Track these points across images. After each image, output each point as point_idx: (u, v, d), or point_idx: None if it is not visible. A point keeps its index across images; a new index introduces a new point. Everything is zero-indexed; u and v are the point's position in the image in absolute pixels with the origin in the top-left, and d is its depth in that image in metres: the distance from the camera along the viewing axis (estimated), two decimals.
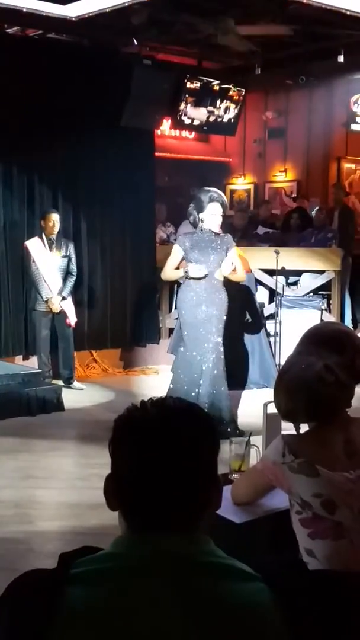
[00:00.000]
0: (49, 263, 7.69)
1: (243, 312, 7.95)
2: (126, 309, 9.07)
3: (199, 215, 5.95)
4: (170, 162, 12.76)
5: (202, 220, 5.94)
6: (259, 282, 8.92)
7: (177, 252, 6.02)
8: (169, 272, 6.07)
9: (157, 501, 1.27)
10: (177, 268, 6.10)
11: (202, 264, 5.89)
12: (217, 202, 5.89)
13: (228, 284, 6.07)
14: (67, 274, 7.79)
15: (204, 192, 5.97)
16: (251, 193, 13.91)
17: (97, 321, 8.76)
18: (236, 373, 7.13)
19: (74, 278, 7.85)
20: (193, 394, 5.83)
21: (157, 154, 9.69)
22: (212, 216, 5.90)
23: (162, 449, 1.27)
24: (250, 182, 13.99)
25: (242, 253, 7.32)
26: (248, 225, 10.62)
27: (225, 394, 5.98)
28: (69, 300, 7.84)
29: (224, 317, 5.98)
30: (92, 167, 8.49)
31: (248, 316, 8.08)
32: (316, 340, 2.36)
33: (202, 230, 5.97)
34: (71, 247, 7.85)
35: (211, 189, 6.03)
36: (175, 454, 1.27)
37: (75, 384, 7.95)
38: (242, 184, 14.06)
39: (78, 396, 7.62)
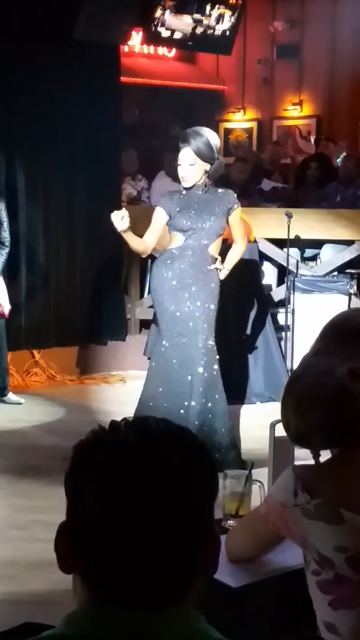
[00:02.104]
0: None
1: (242, 298, 7.96)
2: (79, 293, 9.05)
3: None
4: (143, 90, 12.73)
5: None
6: (264, 257, 8.93)
7: (159, 218, 6.01)
8: (151, 243, 6.03)
9: (132, 562, 1.27)
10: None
11: (191, 232, 5.89)
12: (183, 144, 5.89)
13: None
14: None
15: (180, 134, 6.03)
16: (253, 133, 13.92)
17: (38, 310, 8.73)
18: (233, 382, 7.14)
19: (6, 250, 7.81)
20: (180, 411, 5.82)
21: (123, 78, 9.67)
22: (177, 166, 5.94)
23: (141, 489, 1.27)
24: (252, 118, 14.00)
25: (243, 216, 7.33)
26: (249, 179, 10.62)
27: (222, 410, 6.00)
28: (1, 280, 7.81)
29: (216, 309, 5.99)
30: (34, 97, 8.45)
31: (249, 304, 8.09)
32: (340, 334, 2.36)
33: (187, 187, 5.98)
34: (2, 207, 7.82)
35: (199, 129, 6.02)
36: (159, 497, 1.27)
37: (11, 396, 7.93)
38: (240, 120, 14.06)
39: (14, 413, 7.61)
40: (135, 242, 5.91)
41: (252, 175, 10.79)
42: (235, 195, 6.12)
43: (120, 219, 5.65)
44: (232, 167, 10.81)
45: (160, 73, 13.39)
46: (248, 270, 7.84)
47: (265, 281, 8.85)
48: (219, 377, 5.99)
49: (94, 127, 8.83)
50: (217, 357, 5.98)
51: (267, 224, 8.70)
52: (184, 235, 5.95)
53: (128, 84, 10.67)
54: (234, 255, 6.15)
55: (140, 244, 5.95)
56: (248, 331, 8.09)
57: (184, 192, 6.00)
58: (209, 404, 5.94)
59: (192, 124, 6.37)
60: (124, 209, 5.76)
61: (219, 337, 6.05)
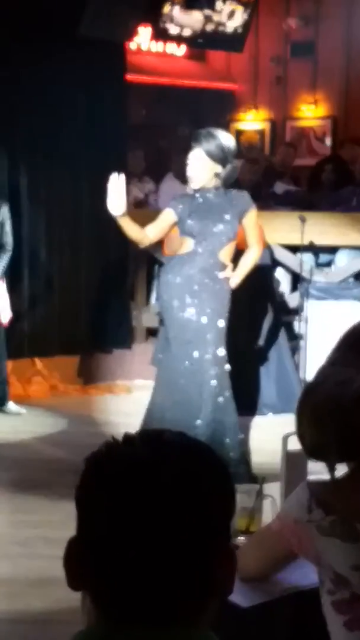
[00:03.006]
0: None
1: (254, 305, 7.96)
2: (83, 299, 9.06)
3: None
4: (150, 89, 12.74)
5: None
6: (277, 263, 8.92)
7: (166, 217, 6.01)
8: (151, 234, 6.03)
9: (145, 580, 1.27)
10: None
11: (201, 237, 5.87)
12: (194, 144, 5.90)
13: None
14: None
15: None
16: (266, 134, 13.92)
17: (41, 317, 8.75)
18: (244, 393, 7.13)
19: (9, 254, 7.83)
20: (188, 423, 5.80)
21: (130, 77, 9.68)
22: (187, 167, 5.95)
23: (157, 505, 1.27)
24: (264, 118, 14.00)
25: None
26: (261, 181, 10.62)
27: (233, 423, 6.00)
28: (2, 286, 7.82)
29: (226, 317, 5.98)
30: (37, 95, 8.47)
31: (261, 311, 8.09)
32: (358, 344, 2.36)
33: (196, 189, 5.98)
34: (5, 210, 7.83)
35: (212, 130, 6.04)
36: (175, 513, 1.28)
37: (11, 406, 7.94)
38: (252, 121, 14.06)
39: (15, 424, 7.62)
40: (131, 230, 5.89)
41: (263, 178, 10.79)
42: (250, 197, 6.12)
43: (115, 202, 5.67)
44: (242, 168, 10.80)
45: (168, 71, 13.40)
46: (260, 276, 7.82)
47: (277, 288, 8.84)
48: (229, 388, 5.98)
49: (99, 127, 8.85)
50: (228, 367, 5.98)
51: (280, 229, 8.68)
52: (193, 239, 5.94)
53: (135, 82, 10.67)
54: (248, 262, 6.11)
55: (138, 233, 5.93)
56: (260, 340, 8.08)
57: (195, 195, 5.99)
58: (219, 416, 5.93)
59: (201, 125, 6.39)
60: (120, 189, 5.73)
61: (229, 346, 6.04)
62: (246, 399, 7.37)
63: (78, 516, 1.33)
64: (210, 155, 5.88)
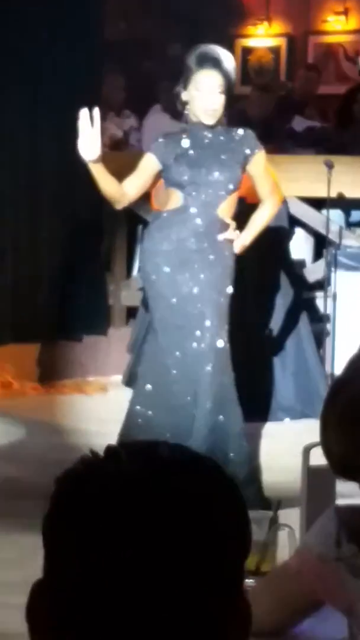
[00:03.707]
0: None
1: (266, 279, 7.97)
2: (44, 271, 9.07)
3: (183, 94, 5.96)
4: None
5: (187, 104, 5.96)
6: (295, 222, 8.93)
7: (147, 164, 6.03)
8: (129, 191, 6.04)
9: (134, 636, 1.27)
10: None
11: (192, 189, 5.88)
12: (208, 67, 5.90)
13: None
14: None
15: (190, 52, 6.00)
16: (282, 54, 13.91)
17: None
18: (254, 393, 7.16)
19: None
20: (180, 431, 5.82)
21: None
22: (196, 94, 5.92)
23: (149, 539, 1.27)
24: (279, 33, 13.99)
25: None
26: (274, 115, 10.62)
27: (237, 431, 6.03)
28: None
29: (229, 295, 5.98)
30: None
31: (275, 287, 8.10)
32: None
33: (192, 125, 5.98)
34: None
35: (222, 48, 6.05)
36: (174, 550, 1.27)
37: None
38: (264, 36, 14.05)
39: None
40: (106, 182, 5.90)
41: (278, 111, 10.78)
42: (255, 136, 6.12)
43: (87, 144, 5.67)
44: (251, 98, 10.77)
45: None
46: (273, 240, 7.84)
47: (297, 256, 8.85)
48: (233, 387, 5.99)
49: (65, 45, 8.84)
50: (229, 362, 5.98)
51: (300, 177, 8.70)
52: (183, 192, 5.93)
53: None
54: (260, 220, 6.11)
55: (114, 187, 5.94)
56: (273, 325, 8.09)
57: (185, 133, 5.99)
58: (220, 422, 5.95)
59: (198, 42, 6.35)
60: (94, 127, 5.72)
61: (234, 333, 6.05)
62: (257, 401, 7.40)
63: (46, 553, 1.32)
64: (230, 83, 5.92)
